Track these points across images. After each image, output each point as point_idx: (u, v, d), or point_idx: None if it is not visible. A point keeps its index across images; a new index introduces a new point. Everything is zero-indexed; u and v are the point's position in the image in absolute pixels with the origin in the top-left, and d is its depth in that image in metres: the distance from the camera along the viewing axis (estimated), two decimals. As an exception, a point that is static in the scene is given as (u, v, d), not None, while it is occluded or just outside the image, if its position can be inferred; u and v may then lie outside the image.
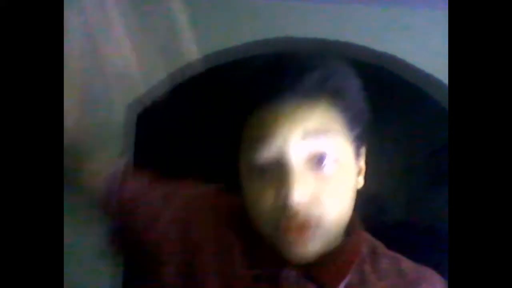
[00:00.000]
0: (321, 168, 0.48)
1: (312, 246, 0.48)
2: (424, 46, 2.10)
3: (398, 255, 0.57)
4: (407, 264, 0.55)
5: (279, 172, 0.47)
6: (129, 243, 0.60)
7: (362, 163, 0.56)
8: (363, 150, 0.55)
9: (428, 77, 2.11)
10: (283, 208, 0.46)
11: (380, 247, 0.57)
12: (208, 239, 0.56)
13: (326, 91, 0.49)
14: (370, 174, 0.57)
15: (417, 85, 2.28)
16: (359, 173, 0.55)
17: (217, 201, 0.61)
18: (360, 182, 0.55)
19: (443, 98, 2.21)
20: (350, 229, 0.53)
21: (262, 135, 0.47)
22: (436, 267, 0.57)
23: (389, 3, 2.11)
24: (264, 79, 0.49)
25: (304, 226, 0.46)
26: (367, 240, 0.58)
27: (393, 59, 2.12)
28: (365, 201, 0.56)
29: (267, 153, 0.47)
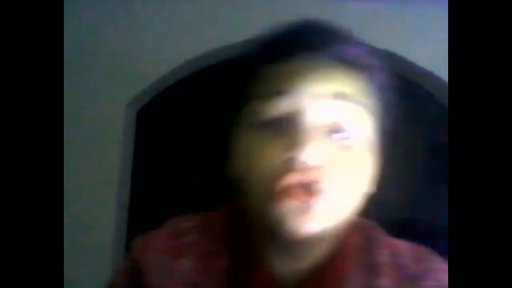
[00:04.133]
0: (339, 138, 0.42)
1: (314, 221, 0.40)
2: (424, 44, 2.10)
3: (397, 244, 0.51)
4: (405, 253, 0.50)
5: (290, 129, 0.41)
6: None
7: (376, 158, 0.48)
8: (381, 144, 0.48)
9: (428, 75, 2.11)
10: (287, 165, 0.40)
11: (377, 236, 0.52)
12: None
13: (359, 63, 0.45)
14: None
15: (417, 82, 2.28)
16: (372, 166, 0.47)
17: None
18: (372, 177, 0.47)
19: (443, 96, 2.21)
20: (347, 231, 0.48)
21: (279, 88, 0.43)
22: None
23: (389, 1, 2.10)
24: (292, 34, 0.46)
25: (306, 190, 0.40)
26: (361, 233, 0.51)
27: (393, 56, 2.12)
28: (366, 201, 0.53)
29: (281, 107, 0.42)
